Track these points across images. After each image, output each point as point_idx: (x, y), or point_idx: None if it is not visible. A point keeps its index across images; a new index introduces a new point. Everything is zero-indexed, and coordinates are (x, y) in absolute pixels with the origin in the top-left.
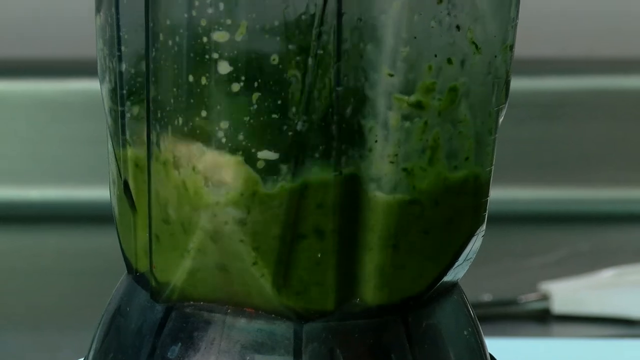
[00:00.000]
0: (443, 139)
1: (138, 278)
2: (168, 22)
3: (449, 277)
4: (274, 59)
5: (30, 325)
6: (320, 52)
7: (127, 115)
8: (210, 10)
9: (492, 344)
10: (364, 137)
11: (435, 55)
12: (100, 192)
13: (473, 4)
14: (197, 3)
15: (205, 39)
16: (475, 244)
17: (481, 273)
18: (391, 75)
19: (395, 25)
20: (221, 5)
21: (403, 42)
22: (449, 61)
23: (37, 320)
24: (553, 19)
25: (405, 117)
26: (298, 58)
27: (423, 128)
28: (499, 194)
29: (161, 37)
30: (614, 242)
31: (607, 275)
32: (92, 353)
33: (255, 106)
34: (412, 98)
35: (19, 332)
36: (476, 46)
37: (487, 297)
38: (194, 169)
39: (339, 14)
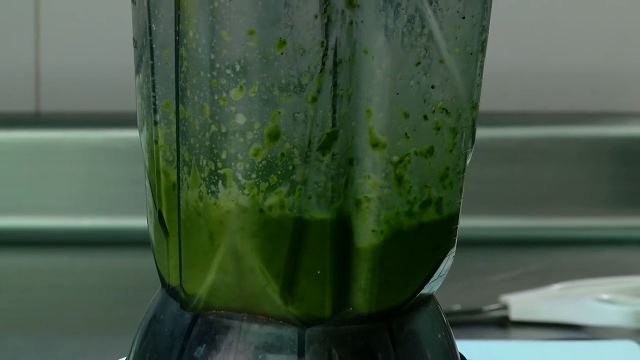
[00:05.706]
0: (421, 182)
1: (170, 291)
2: (194, 81)
3: (425, 290)
4: (280, 111)
5: (84, 331)
6: (320, 108)
7: (161, 158)
8: (228, 72)
9: (461, 346)
10: (354, 176)
11: (414, 113)
12: (139, 221)
13: (445, 67)
14: (217, 65)
15: (224, 94)
16: (447, 263)
17: (452, 287)
18: (376, 139)
19: (379, 85)
20: (237, 67)
21: (388, 100)
22: (425, 117)
23: (89, 327)
24: (513, 79)
25: (388, 166)
26: (299, 112)
27: (405, 175)
28: (467, 223)
29: (188, 93)
30: (561, 262)
31: (555, 288)
32: (132, 354)
33: (266, 150)
34: (395, 158)
35: (75, 337)
36: (446, 108)
37: (457, 307)
38: (215, 203)
39: (335, 74)
